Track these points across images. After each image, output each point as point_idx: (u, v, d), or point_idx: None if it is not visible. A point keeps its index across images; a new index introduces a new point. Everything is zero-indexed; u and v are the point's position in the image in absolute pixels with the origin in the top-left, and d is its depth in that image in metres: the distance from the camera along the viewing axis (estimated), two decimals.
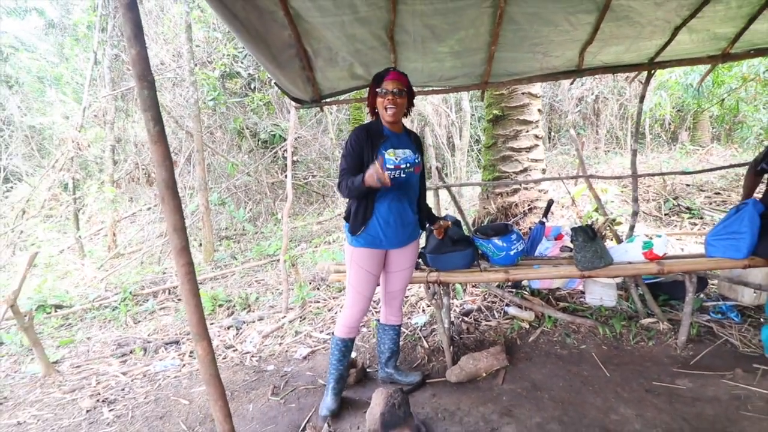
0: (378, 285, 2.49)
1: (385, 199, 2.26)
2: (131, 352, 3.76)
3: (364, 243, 2.28)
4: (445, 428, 2.15)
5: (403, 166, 2.20)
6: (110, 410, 2.81)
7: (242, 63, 8.76)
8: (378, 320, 2.69)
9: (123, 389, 3.11)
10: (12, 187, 10.51)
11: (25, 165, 10.00)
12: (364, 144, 2.21)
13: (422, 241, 2.80)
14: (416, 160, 2.28)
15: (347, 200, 2.36)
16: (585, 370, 2.62)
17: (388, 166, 2.16)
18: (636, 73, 3.42)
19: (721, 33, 2.93)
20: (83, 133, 8.39)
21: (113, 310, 5.01)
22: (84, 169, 9.58)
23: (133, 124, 9.47)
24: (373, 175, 1.97)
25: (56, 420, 2.79)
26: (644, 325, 3.02)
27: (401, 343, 3.18)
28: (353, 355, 2.92)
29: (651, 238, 2.73)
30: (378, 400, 1.98)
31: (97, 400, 2.97)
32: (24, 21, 15.31)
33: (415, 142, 2.39)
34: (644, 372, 2.54)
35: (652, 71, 3.39)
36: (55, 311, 5.13)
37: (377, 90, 2.21)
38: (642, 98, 3.45)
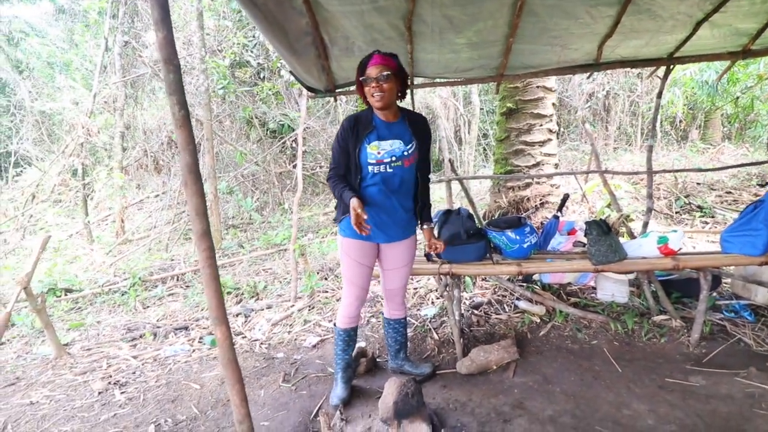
0: (372, 276, 2.42)
1: (371, 191, 2.17)
2: (141, 337, 3.79)
3: (350, 234, 2.19)
4: (456, 419, 2.16)
5: (387, 159, 2.10)
6: (122, 392, 2.84)
7: (252, 52, 8.73)
8: (383, 314, 2.67)
9: (134, 372, 3.14)
10: (22, 171, 10.59)
11: (35, 150, 10.06)
12: (350, 136, 2.13)
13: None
14: (405, 153, 2.14)
15: None
16: (596, 365, 2.61)
17: (370, 160, 2.11)
18: (654, 67, 3.38)
19: (744, 29, 2.88)
20: (93, 119, 8.40)
21: (122, 295, 5.05)
22: (93, 155, 9.61)
23: (143, 112, 9.48)
24: (352, 215, 1.95)
25: (68, 401, 2.83)
26: (656, 322, 3.01)
27: (410, 334, 3.19)
28: (363, 345, 2.93)
29: (666, 234, 2.71)
30: (391, 389, 1.99)
31: (109, 383, 3.00)
32: (34, 6, 15.32)
33: (414, 128, 2.21)
34: (657, 368, 2.53)
35: (671, 66, 3.35)
36: (65, 295, 5.17)
37: (361, 78, 2.08)
38: (660, 93, 3.41)
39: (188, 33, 8.50)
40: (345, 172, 2.20)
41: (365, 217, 1.95)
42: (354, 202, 1.95)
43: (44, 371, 3.31)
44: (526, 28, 2.66)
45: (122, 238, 7.84)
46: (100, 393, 2.88)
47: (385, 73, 2.03)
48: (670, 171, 3.92)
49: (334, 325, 2.48)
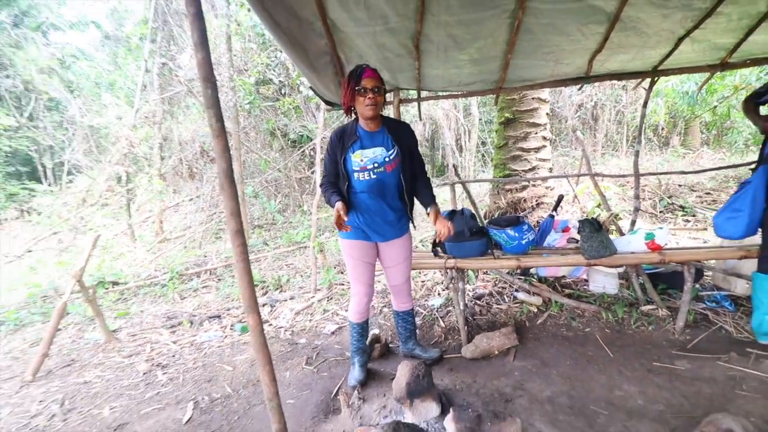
0: (375, 270, 2.41)
1: (361, 196, 2.17)
2: (179, 324, 3.83)
3: (347, 234, 2.23)
4: (463, 398, 2.15)
5: (369, 166, 2.10)
6: (164, 373, 2.88)
7: (274, 71, 8.76)
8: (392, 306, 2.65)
9: (174, 356, 3.17)
10: (74, 179, 10.76)
11: (85, 159, 10.22)
12: (337, 147, 2.15)
13: (419, 233, 2.72)
14: (387, 159, 2.12)
15: None
16: (590, 350, 2.58)
17: (354, 167, 2.11)
18: (640, 80, 3.33)
19: (721, 43, 2.83)
20: (135, 132, 8.52)
21: (162, 287, 5.10)
22: (135, 163, 9.73)
23: (178, 125, 9.57)
24: (334, 215, 2.00)
25: (117, 380, 2.87)
26: (644, 312, 2.96)
27: (419, 322, 3.18)
28: (377, 332, 2.93)
29: (653, 230, 2.67)
30: (404, 371, 1.98)
31: (152, 365, 3.04)
32: (83, 33, 15.60)
33: (395, 135, 2.17)
34: (645, 353, 2.49)
35: (656, 78, 3.30)
36: (113, 287, 5.25)
37: (357, 88, 2.04)
38: (645, 103, 3.36)
39: (218, 54, 8.57)
40: (335, 179, 2.21)
41: (345, 219, 2.00)
42: (338, 205, 2.01)
43: (96, 354, 3.36)
44: (522, 45, 2.64)
45: (161, 237, 7.93)
46: (144, 373, 2.92)
47: (377, 86, 2.05)
48: (655, 174, 3.84)
49: (348, 320, 2.48)
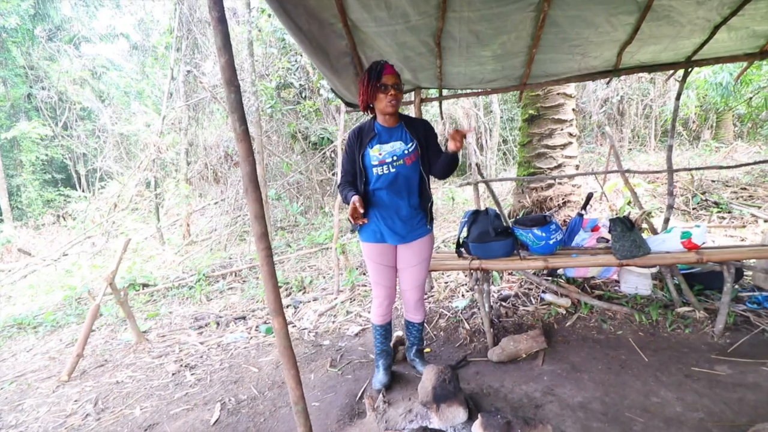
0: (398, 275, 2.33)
1: (379, 193, 2.14)
2: (206, 325, 3.89)
3: (366, 237, 2.21)
4: (491, 403, 2.08)
5: (388, 160, 2.07)
6: (192, 374, 2.91)
7: (295, 75, 8.86)
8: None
9: (201, 357, 3.21)
10: (105, 185, 11.17)
11: (116, 166, 10.58)
12: (355, 145, 2.15)
13: (442, 233, 2.65)
14: (406, 151, 2.09)
15: None
16: (623, 354, 2.46)
17: (373, 162, 2.09)
18: (672, 71, 3.19)
19: (761, 30, 2.67)
20: (162, 139, 8.78)
21: (190, 289, 5.21)
22: (163, 169, 10.02)
23: (203, 130, 9.81)
24: (350, 208, 1.97)
25: (148, 380, 2.92)
26: (680, 314, 2.81)
27: (443, 324, 3.13)
28: (400, 333, 2.89)
29: (689, 228, 2.53)
30: (429, 375, 1.94)
31: (181, 365, 3.09)
32: (113, 45, 16.20)
33: (412, 130, 2.15)
34: (682, 358, 2.37)
35: (689, 69, 3.15)
36: (143, 289, 5.40)
37: (378, 85, 2.02)
38: (678, 95, 3.21)
39: (240, 60, 8.73)
40: (353, 179, 2.19)
41: (361, 211, 1.97)
42: (354, 198, 1.98)
43: (127, 354, 3.45)
44: (548, 39, 2.56)
45: (188, 240, 8.13)
46: (173, 374, 2.96)
47: (397, 83, 2.05)
48: (691, 169, 3.65)
49: (371, 322, 2.44)
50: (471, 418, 1.85)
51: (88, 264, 7.33)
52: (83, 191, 12.45)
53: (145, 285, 5.50)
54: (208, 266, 5.98)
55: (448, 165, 2.10)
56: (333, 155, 9.10)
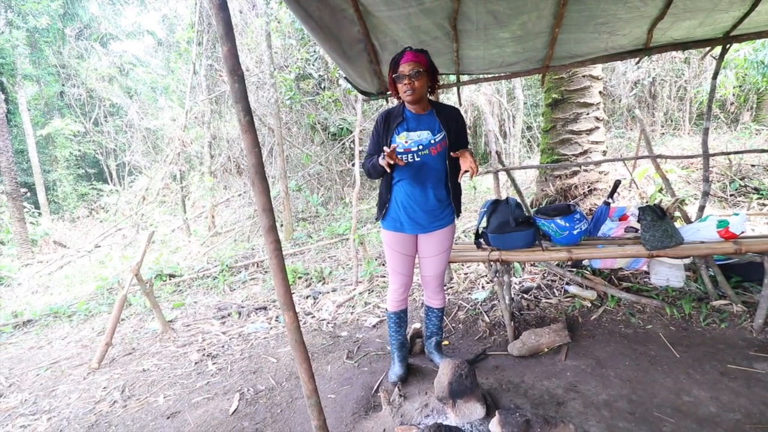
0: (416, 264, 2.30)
1: (402, 183, 2.08)
2: (228, 315, 3.95)
3: (387, 225, 2.17)
4: (510, 399, 2.01)
5: (414, 149, 2.00)
6: (213, 363, 2.97)
7: (314, 65, 8.83)
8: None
9: (223, 346, 3.26)
10: (135, 179, 11.54)
11: (144, 160, 10.90)
12: (382, 129, 2.08)
13: (462, 223, 2.55)
14: (433, 141, 2.01)
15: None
16: (652, 350, 2.33)
17: (398, 150, 2.01)
18: (709, 48, 2.95)
19: None
20: (187, 133, 8.95)
21: (213, 279, 5.32)
22: (188, 162, 10.25)
23: (225, 123, 9.95)
24: (383, 156, 1.88)
25: (172, 369, 2.99)
26: (716, 307, 2.64)
27: (462, 316, 3.06)
28: (418, 326, 2.84)
29: (726, 217, 2.35)
30: (446, 369, 1.88)
31: (203, 355, 3.15)
32: (140, 41, 16.59)
33: (443, 118, 2.07)
34: (717, 354, 2.22)
35: (728, 46, 2.90)
36: (170, 279, 5.55)
37: (395, 75, 1.97)
38: (715, 74, 2.98)
39: (260, 53, 8.76)
40: None
41: (396, 153, 1.89)
42: (385, 150, 1.88)
43: (153, 343, 3.54)
44: (571, 17, 2.40)
45: (213, 231, 8.30)
46: (196, 363, 3.02)
47: (416, 70, 1.93)
48: (729, 153, 3.38)
49: (386, 309, 2.40)
50: (489, 415, 1.79)
51: (119, 255, 7.60)
52: (114, 185, 12.92)
53: (171, 275, 5.65)
54: (231, 257, 6.08)
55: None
56: (352, 145, 9.05)
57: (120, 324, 4.21)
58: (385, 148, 1.88)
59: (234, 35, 1.37)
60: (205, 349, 3.26)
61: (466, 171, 1.89)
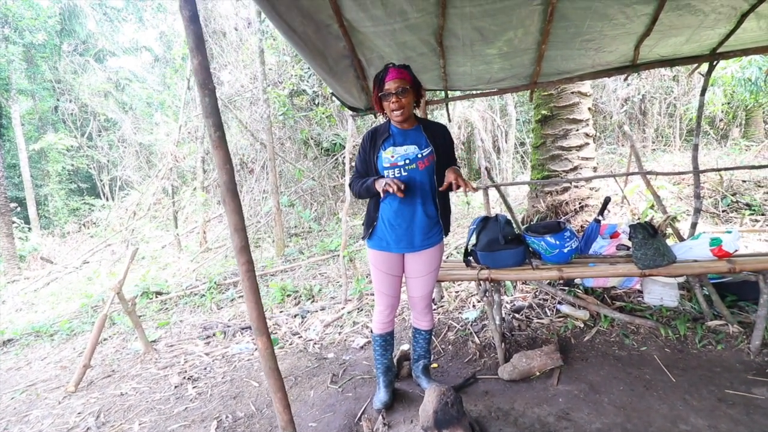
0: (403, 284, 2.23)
1: (389, 200, 2.01)
2: (214, 335, 3.82)
3: (373, 245, 2.10)
4: (499, 428, 1.90)
5: (400, 163, 1.95)
6: (194, 387, 2.84)
7: (308, 82, 8.87)
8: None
9: (205, 368, 3.14)
10: (127, 194, 11.42)
11: (135, 175, 10.80)
12: (369, 146, 2.04)
13: (455, 239, 2.49)
14: (420, 155, 1.96)
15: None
16: (647, 373, 2.24)
17: (384, 164, 1.97)
18: (696, 65, 2.95)
19: None
20: (180, 148, 8.90)
21: (201, 297, 5.18)
22: (181, 177, 10.16)
23: None
24: (383, 182, 1.82)
25: (150, 393, 2.86)
26: (711, 328, 2.56)
27: (452, 337, 2.96)
28: (406, 347, 2.74)
29: (719, 235, 2.30)
30: (431, 397, 1.78)
31: (184, 378, 3.02)
32: (137, 57, 16.68)
33: (430, 134, 2.03)
34: (714, 378, 2.13)
35: (714, 62, 2.90)
36: (156, 297, 5.40)
37: (380, 94, 1.94)
38: (704, 91, 2.97)
39: (254, 69, 8.79)
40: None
41: (395, 181, 1.81)
42: (380, 180, 1.86)
43: (134, 365, 3.40)
44: (558, 34, 2.39)
45: (204, 247, 8.17)
46: (176, 387, 2.89)
47: (402, 87, 1.89)
48: (719, 169, 3.37)
49: (371, 331, 2.30)
50: None
51: (107, 271, 7.44)
52: (107, 200, 12.79)
53: (158, 293, 5.50)
54: (220, 274, 5.95)
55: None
56: (345, 162, 9.04)
57: (102, 344, 4.06)
58: (391, 180, 1.81)
59: (205, 48, 1.32)
60: (186, 372, 3.12)
61: (451, 183, 1.84)
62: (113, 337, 4.32)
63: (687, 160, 8.05)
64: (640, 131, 10.86)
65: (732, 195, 5.46)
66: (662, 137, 10.91)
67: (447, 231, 2.16)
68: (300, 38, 2.18)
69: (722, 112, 9.57)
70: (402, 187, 1.78)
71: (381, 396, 2.18)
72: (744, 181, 5.95)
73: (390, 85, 1.89)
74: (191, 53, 1.29)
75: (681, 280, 2.83)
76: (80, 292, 6.56)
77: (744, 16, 2.35)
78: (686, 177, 5.98)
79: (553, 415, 1.96)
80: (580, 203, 4.14)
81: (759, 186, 5.80)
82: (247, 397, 2.57)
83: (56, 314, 5.64)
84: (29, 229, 11.83)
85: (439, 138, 2.05)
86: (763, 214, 5.03)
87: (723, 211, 5.24)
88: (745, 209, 5.17)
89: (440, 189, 1.94)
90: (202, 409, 2.53)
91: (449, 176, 1.86)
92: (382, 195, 1.87)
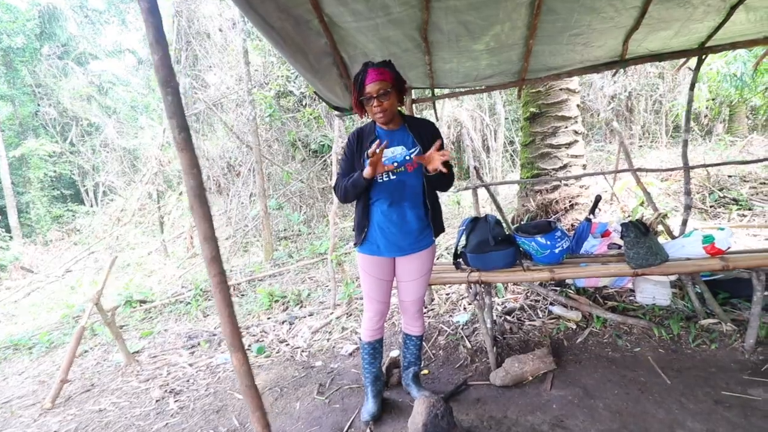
0: (393, 289, 2.15)
1: (378, 204, 1.93)
2: (198, 344, 3.70)
3: (363, 249, 2.02)
4: None
5: (389, 167, 1.86)
6: (175, 401, 2.72)
7: (294, 83, 8.75)
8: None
9: (188, 380, 3.02)
10: (112, 199, 11.17)
11: (119, 180, 10.56)
12: (355, 148, 1.95)
13: (446, 240, 2.41)
14: (407, 157, 1.89)
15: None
16: (641, 375, 2.18)
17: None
18: (685, 59, 2.91)
19: None
20: (165, 151, 8.71)
21: (186, 305, 5.03)
22: (166, 181, 9.95)
23: (205, 142, 9.74)
24: (370, 165, 1.74)
25: (130, 408, 2.74)
26: (705, 327, 2.51)
27: (443, 342, 2.87)
28: (395, 354, 2.65)
29: (711, 232, 2.25)
30: (420, 409, 1.70)
31: (166, 391, 2.89)
32: (120, 60, 16.36)
33: (417, 133, 1.95)
34: (710, 379, 2.08)
35: (703, 57, 2.87)
36: (140, 305, 5.24)
37: (361, 98, 1.85)
38: (692, 85, 2.93)
39: (239, 71, 8.64)
40: None
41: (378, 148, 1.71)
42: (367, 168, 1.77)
43: (115, 378, 3.27)
44: (545, 29, 2.32)
45: (191, 252, 7.99)
46: (157, 401, 2.77)
47: (383, 90, 1.79)
48: (707, 165, 3.34)
49: (359, 338, 2.21)
50: None
51: (90, 280, 7.23)
52: (91, 206, 12.50)
53: (142, 301, 5.34)
54: (207, 280, 5.80)
55: (438, 183, 1.95)
56: (332, 163, 8.94)
57: (82, 356, 3.91)
58: (369, 152, 1.71)
59: (166, 42, 1.21)
60: (168, 384, 3.00)
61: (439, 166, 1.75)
62: (94, 348, 4.17)
63: (674, 156, 8.10)
64: (627, 128, 10.93)
65: (719, 190, 5.48)
66: (649, 134, 11.00)
67: (441, 230, 2.09)
68: (278, 35, 2.08)
69: (707, 108, 9.67)
70: (385, 143, 1.71)
71: (369, 407, 2.09)
72: (730, 176, 5.98)
73: (371, 89, 1.79)
74: (151, 48, 1.18)
75: (673, 278, 2.79)
76: (62, 303, 6.35)
77: (733, 8, 2.31)
78: (674, 173, 6.00)
79: (547, 423, 1.89)
80: (570, 201, 4.09)
81: (744, 181, 5.83)
82: (230, 411, 2.46)
83: (36, 326, 5.44)
84: (10, 237, 11.50)
85: (426, 135, 1.96)
86: (749, 209, 5.04)
87: (711, 207, 5.24)
88: (733, 204, 5.18)
89: (429, 174, 1.82)
90: (183, 425, 2.41)
91: (432, 160, 1.75)
92: (377, 174, 1.78)
